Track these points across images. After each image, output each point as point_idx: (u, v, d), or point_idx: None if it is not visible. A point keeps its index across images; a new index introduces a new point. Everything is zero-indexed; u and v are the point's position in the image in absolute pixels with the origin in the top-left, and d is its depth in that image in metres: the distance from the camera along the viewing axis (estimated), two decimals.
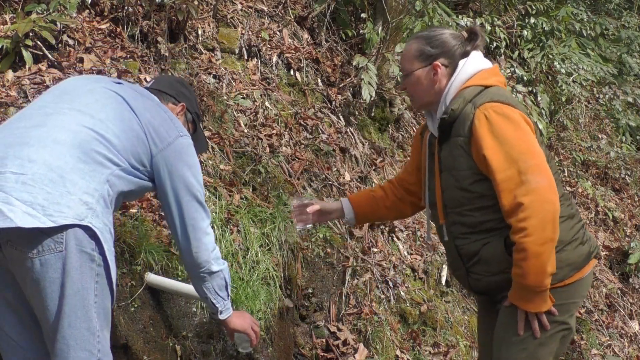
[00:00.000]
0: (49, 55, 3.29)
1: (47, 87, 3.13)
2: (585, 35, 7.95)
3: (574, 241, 2.18)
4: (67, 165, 1.89)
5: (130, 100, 2.12)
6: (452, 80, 2.22)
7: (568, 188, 6.51)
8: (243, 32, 4.45)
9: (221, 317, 2.36)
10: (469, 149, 2.13)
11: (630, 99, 8.22)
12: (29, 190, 1.81)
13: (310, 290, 3.54)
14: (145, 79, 3.56)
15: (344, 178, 4.25)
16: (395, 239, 4.27)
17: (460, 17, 5.95)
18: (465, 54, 2.26)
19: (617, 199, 7.05)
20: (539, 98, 6.72)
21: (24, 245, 1.82)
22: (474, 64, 2.24)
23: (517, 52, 6.96)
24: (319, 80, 4.82)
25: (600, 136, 7.66)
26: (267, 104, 4.17)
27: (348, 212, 2.66)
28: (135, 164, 2.08)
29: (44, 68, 3.25)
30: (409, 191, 2.62)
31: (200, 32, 4.19)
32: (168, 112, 2.23)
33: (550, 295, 2.10)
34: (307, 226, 2.68)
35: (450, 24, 5.70)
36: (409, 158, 5.15)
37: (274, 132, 4.00)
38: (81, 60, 3.39)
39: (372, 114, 5.07)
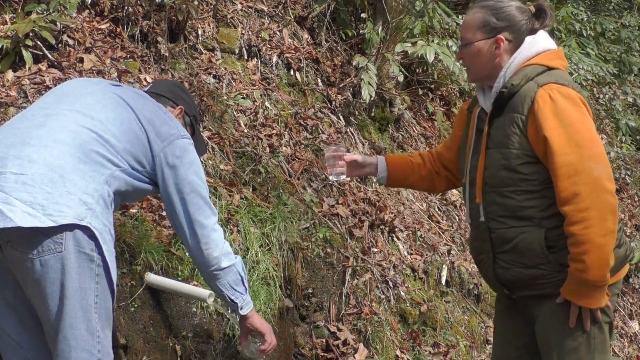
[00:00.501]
0: (49, 55, 3.29)
1: (47, 87, 3.13)
2: (585, 35, 7.95)
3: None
4: (68, 165, 1.89)
5: (130, 101, 2.13)
6: (516, 56, 2.13)
7: None
8: (243, 32, 4.45)
9: (242, 312, 2.34)
10: (526, 128, 2.04)
11: (630, 99, 8.22)
12: (29, 190, 1.81)
13: (310, 290, 3.54)
14: (145, 79, 3.56)
15: None
16: (395, 239, 4.27)
17: (460, 17, 5.95)
18: (533, 32, 2.17)
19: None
20: None
21: (24, 245, 1.82)
22: (541, 43, 2.16)
23: None
24: (319, 80, 4.82)
25: (600, 136, 7.66)
26: (267, 104, 4.16)
27: (382, 169, 2.55)
28: (135, 165, 2.08)
29: (44, 68, 3.25)
30: (446, 167, 2.52)
31: (200, 32, 4.19)
32: (168, 113, 2.23)
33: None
34: (342, 177, 2.52)
35: (450, 23, 5.70)
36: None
37: (274, 132, 4.00)
38: (81, 60, 3.39)
39: (372, 114, 5.07)
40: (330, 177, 2.56)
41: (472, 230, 2.32)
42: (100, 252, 1.90)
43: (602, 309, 2.09)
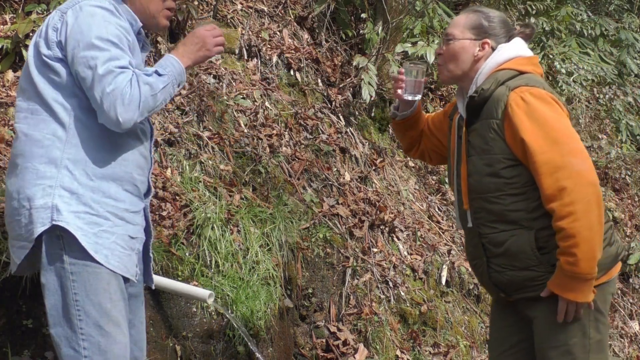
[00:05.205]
0: None
1: None
2: (585, 35, 7.94)
3: (602, 241, 2.08)
4: (17, 185, 1.96)
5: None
6: (488, 61, 2.18)
7: None
8: (243, 32, 4.45)
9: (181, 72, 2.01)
10: (502, 131, 2.08)
11: (630, 99, 8.21)
12: (11, 227, 1.99)
13: (310, 290, 3.54)
14: None
15: (344, 178, 4.25)
16: (395, 239, 4.27)
17: None
18: (509, 40, 2.23)
19: (617, 199, 7.05)
20: None
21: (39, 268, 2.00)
22: (514, 49, 2.20)
23: None
24: (319, 80, 4.82)
25: (600, 136, 7.65)
26: (267, 104, 4.17)
27: (413, 110, 2.49)
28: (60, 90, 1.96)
29: None
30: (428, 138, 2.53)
31: None
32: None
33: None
34: (418, 96, 2.43)
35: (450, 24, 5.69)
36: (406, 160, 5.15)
37: (274, 132, 4.00)
38: None
39: (372, 114, 5.07)
40: (407, 97, 2.45)
41: (465, 235, 2.34)
42: (74, 247, 1.90)
43: (597, 308, 2.10)
